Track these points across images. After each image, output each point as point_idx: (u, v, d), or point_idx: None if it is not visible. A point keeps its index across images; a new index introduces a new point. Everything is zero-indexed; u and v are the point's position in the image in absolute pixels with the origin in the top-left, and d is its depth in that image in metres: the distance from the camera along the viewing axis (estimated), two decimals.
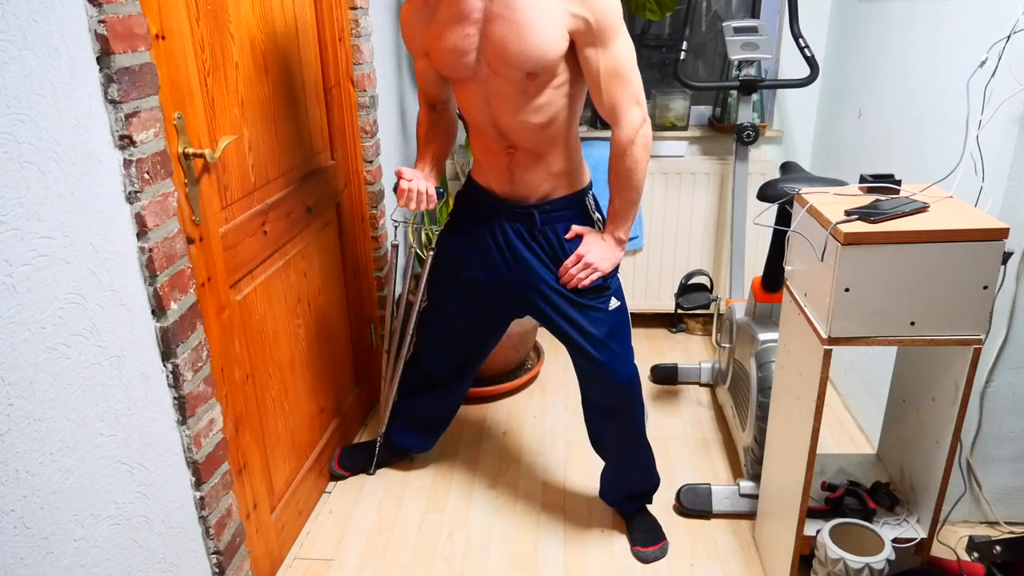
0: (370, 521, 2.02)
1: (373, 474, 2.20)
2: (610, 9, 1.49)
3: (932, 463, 1.58)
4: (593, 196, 1.77)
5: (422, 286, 2.00)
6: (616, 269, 1.74)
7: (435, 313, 1.95)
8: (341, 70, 2.13)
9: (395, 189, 1.69)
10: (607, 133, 2.83)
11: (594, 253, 1.68)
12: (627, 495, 1.96)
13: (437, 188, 1.73)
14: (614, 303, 1.74)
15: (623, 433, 1.84)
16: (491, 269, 1.78)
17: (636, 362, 1.80)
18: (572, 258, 1.69)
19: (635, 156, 1.60)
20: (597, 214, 1.76)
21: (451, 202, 2.65)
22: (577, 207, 1.73)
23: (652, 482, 1.95)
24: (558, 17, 1.48)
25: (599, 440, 1.92)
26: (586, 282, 1.69)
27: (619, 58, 1.53)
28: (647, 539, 1.90)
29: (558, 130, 1.63)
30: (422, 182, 1.68)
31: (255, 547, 1.69)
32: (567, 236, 1.71)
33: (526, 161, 1.66)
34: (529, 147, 1.64)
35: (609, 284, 1.73)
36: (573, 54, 1.54)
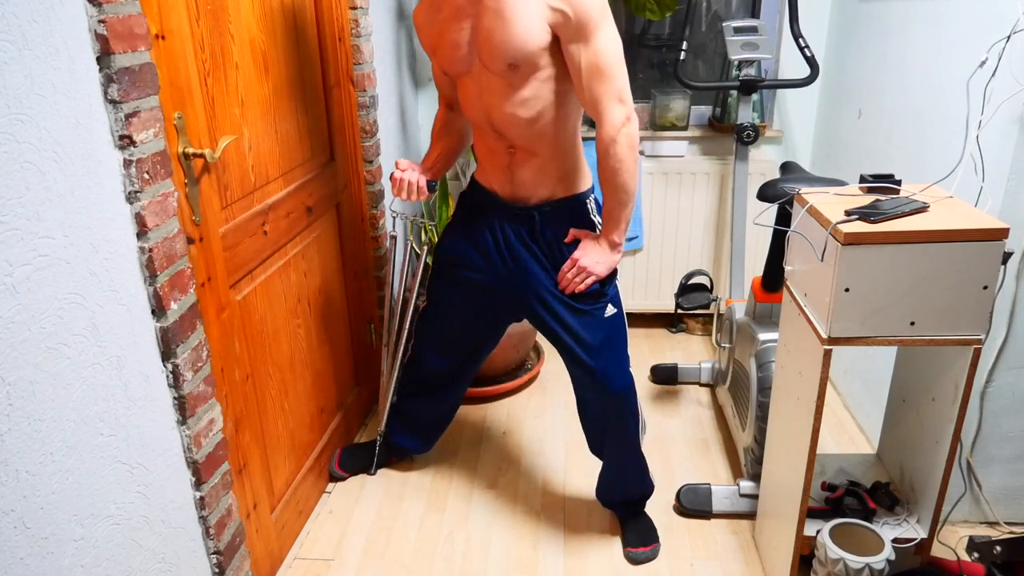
0: (370, 521, 2.02)
1: (374, 474, 2.20)
2: (590, 3, 1.46)
3: (932, 463, 1.58)
4: (595, 199, 1.76)
5: (418, 283, 2.00)
6: (614, 275, 1.73)
7: (434, 312, 1.95)
8: (341, 70, 2.13)
9: (391, 178, 1.74)
10: None
11: (589, 257, 1.67)
12: (620, 500, 1.96)
13: (429, 182, 1.75)
14: (610, 310, 1.73)
15: (615, 441, 1.84)
16: (491, 270, 1.77)
17: (636, 363, 1.81)
18: (568, 262, 1.69)
19: (619, 155, 1.55)
20: (598, 217, 1.75)
21: (452, 203, 2.65)
22: (578, 210, 1.72)
23: (644, 490, 1.94)
24: (538, 10, 1.48)
25: (594, 444, 1.92)
26: (582, 287, 1.68)
27: (601, 54, 1.50)
28: (639, 540, 1.90)
29: (547, 126, 1.61)
30: (414, 174, 1.73)
31: (255, 547, 1.69)
32: (566, 240, 1.70)
33: (524, 161, 1.66)
34: (525, 145, 1.64)
35: (606, 291, 1.72)
36: (560, 49, 1.54)
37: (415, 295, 2.16)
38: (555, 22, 1.49)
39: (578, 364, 1.75)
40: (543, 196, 1.70)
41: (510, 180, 1.69)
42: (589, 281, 1.68)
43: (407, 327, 2.06)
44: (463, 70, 1.61)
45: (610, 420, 1.80)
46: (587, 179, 1.74)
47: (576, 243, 1.71)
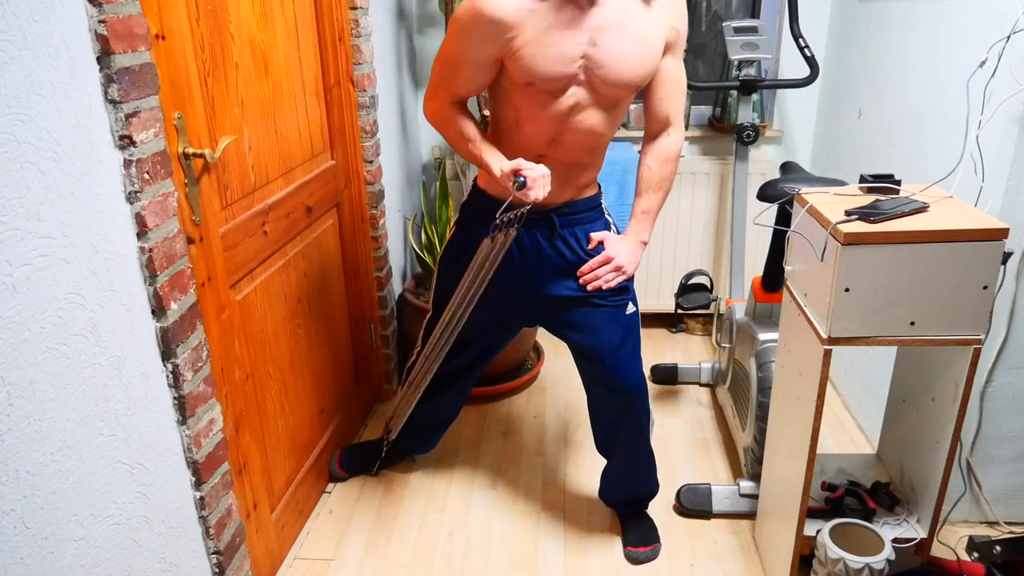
0: (370, 521, 2.02)
1: (375, 474, 2.20)
2: (687, 21, 1.59)
3: (932, 463, 1.58)
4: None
5: (430, 295, 1.93)
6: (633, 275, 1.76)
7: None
8: (341, 70, 2.13)
9: (520, 187, 1.50)
10: (616, 133, 2.84)
11: (623, 256, 1.69)
12: (624, 499, 1.96)
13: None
14: (631, 308, 1.74)
15: (627, 438, 1.84)
16: (507, 279, 1.72)
17: None
18: (599, 259, 1.68)
19: (676, 164, 1.71)
20: (609, 217, 1.77)
21: (452, 203, 2.65)
22: (596, 209, 1.73)
23: (650, 489, 1.95)
24: (663, 30, 1.54)
25: (603, 443, 1.92)
26: (613, 283, 1.69)
27: (683, 69, 1.63)
28: (640, 540, 1.90)
29: (606, 143, 1.66)
30: (538, 166, 1.51)
31: (255, 547, 1.69)
32: (590, 246, 1.70)
33: (556, 170, 1.60)
34: (567, 158, 1.61)
35: (628, 287, 1.74)
36: None
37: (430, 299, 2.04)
38: (669, 39, 1.56)
39: (596, 362, 1.74)
40: (564, 199, 1.68)
41: None
42: (620, 279, 1.69)
43: (451, 332, 1.92)
44: (560, 86, 1.50)
45: (623, 417, 1.80)
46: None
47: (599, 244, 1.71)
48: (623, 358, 1.73)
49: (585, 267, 1.69)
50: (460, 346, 1.93)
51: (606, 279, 1.68)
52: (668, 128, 1.67)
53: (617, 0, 1.47)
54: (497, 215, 1.59)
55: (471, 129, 1.61)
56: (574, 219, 1.70)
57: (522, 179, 1.49)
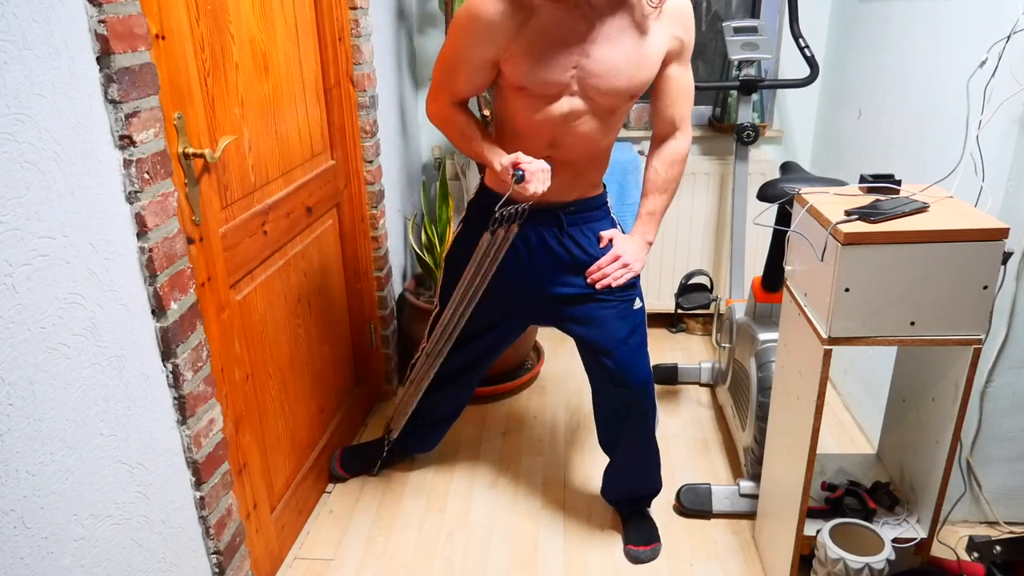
0: (370, 521, 2.02)
1: (375, 475, 2.20)
2: (694, 28, 1.60)
3: (932, 463, 1.58)
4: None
5: (434, 292, 1.94)
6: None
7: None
8: (341, 70, 2.13)
9: (519, 180, 1.51)
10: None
11: (629, 254, 1.71)
12: (627, 496, 1.96)
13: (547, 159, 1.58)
14: (637, 303, 1.76)
15: (633, 435, 1.84)
16: (509, 277, 1.74)
17: None
18: (607, 257, 1.70)
19: (684, 163, 1.74)
20: (615, 216, 1.79)
21: (452, 203, 2.65)
22: (603, 208, 1.75)
23: (654, 486, 1.95)
24: (665, 41, 1.55)
25: (608, 440, 1.92)
26: (621, 281, 1.70)
27: (690, 75, 1.65)
28: (641, 539, 1.90)
29: (610, 144, 1.67)
30: (537, 161, 1.53)
31: (255, 547, 1.69)
32: (601, 244, 1.72)
33: (563, 171, 1.63)
34: (571, 159, 1.62)
35: (635, 283, 1.75)
36: None
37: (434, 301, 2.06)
38: (672, 48, 1.57)
39: (603, 357, 1.75)
40: (571, 198, 1.69)
41: None
42: (628, 276, 1.71)
43: (452, 331, 1.90)
44: (554, 92, 1.52)
45: (630, 413, 1.81)
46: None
47: (598, 242, 1.73)
48: (630, 352, 1.74)
49: (593, 267, 1.71)
50: (466, 341, 1.93)
51: (615, 276, 1.70)
52: (676, 132, 1.71)
53: (613, 11, 1.48)
54: (496, 208, 1.62)
55: (472, 128, 1.64)
56: (581, 218, 1.71)
57: (520, 172, 1.51)
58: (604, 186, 1.77)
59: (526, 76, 1.51)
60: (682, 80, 1.64)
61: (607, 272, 1.70)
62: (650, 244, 1.75)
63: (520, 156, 1.52)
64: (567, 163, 1.63)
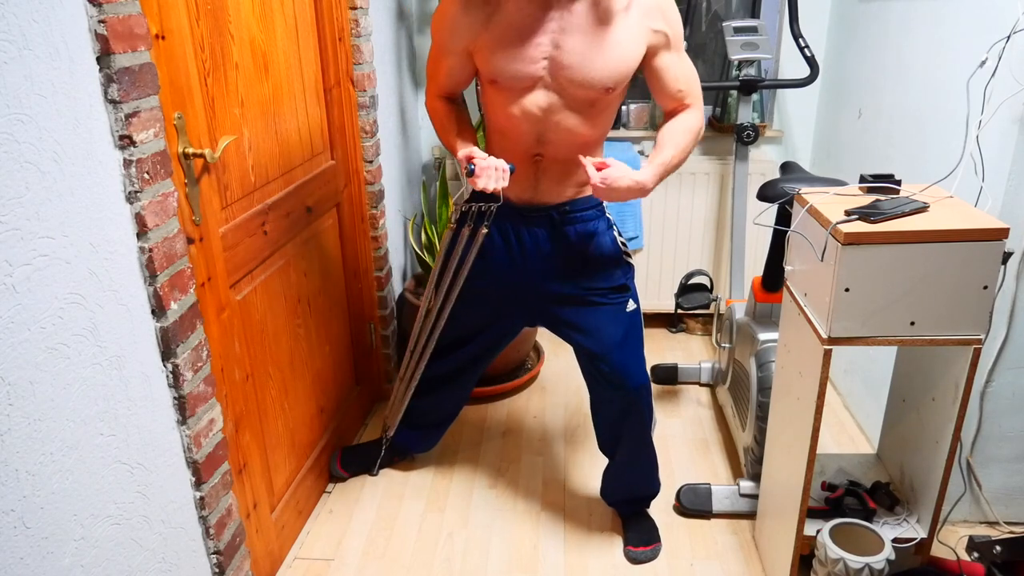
0: (370, 521, 2.02)
1: (376, 474, 2.20)
2: (679, 19, 1.59)
3: (932, 463, 1.58)
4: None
5: (427, 293, 1.95)
6: (632, 271, 1.76)
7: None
8: (341, 70, 2.13)
9: (469, 174, 1.53)
10: (617, 133, 2.89)
11: (618, 168, 1.52)
12: (626, 498, 1.97)
13: (508, 163, 1.58)
14: (631, 305, 1.75)
15: (630, 437, 1.84)
16: (503, 277, 1.75)
17: None
18: (598, 164, 1.54)
19: (694, 134, 1.66)
20: (610, 216, 1.76)
21: (451, 203, 2.65)
22: (597, 208, 1.72)
23: (652, 488, 1.96)
24: (641, 34, 1.53)
25: (607, 442, 1.92)
26: (596, 180, 1.51)
27: (687, 58, 1.64)
28: (640, 539, 1.90)
29: (600, 138, 1.66)
30: (493, 158, 1.55)
31: (255, 547, 1.69)
32: (595, 165, 1.54)
33: (551, 168, 1.64)
34: (561, 156, 1.62)
35: (629, 285, 1.74)
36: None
37: (425, 300, 2.09)
38: (655, 42, 1.56)
39: (598, 361, 1.74)
40: (564, 199, 1.69)
41: (533, 187, 1.67)
42: (605, 179, 1.50)
43: (432, 329, 1.92)
44: (526, 85, 1.54)
45: (627, 416, 1.81)
46: None
47: (596, 238, 1.71)
48: (625, 356, 1.74)
49: (592, 173, 1.52)
50: (459, 343, 1.94)
51: (613, 176, 1.51)
52: (691, 107, 1.67)
53: (582, 4, 1.48)
54: (461, 203, 1.67)
55: (451, 121, 1.69)
56: (574, 217, 1.70)
57: (472, 167, 1.54)
58: None
59: (496, 69, 1.54)
60: (677, 67, 1.61)
61: (605, 176, 1.51)
62: (642, 188, 1.53)
63: (474, 151, 1.57)
64: (556, 161, 1.63)
